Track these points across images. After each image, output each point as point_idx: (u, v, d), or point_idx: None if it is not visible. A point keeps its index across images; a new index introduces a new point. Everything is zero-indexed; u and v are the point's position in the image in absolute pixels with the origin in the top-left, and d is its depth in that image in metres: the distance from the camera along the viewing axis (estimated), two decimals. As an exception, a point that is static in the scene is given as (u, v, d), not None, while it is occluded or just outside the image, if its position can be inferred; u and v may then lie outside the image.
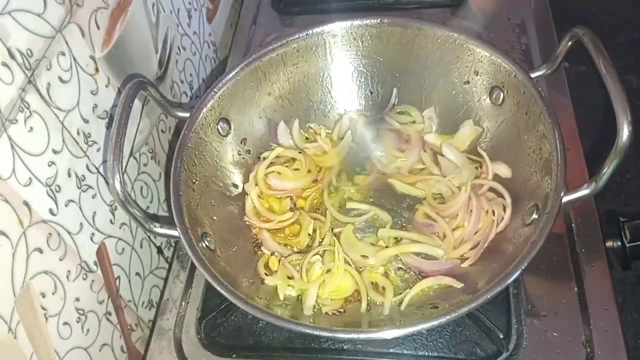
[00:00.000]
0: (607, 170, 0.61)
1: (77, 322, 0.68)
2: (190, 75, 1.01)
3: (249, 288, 0.73)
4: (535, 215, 0.68)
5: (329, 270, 0.75)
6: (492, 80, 0.80)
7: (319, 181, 0.85)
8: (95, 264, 0.72)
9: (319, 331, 0.64)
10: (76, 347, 0.67)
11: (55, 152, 0.64)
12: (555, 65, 0.75)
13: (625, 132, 0.59)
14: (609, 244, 0.78)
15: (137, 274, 0.82)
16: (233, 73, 0.82)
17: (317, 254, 0.77)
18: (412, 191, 0.83)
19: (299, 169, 0.86)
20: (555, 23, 1.04)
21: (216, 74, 1.11)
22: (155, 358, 0.77)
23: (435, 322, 0.61)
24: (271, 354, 0.75)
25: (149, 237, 0.85)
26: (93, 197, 0.71)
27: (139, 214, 0.66)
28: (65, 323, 0.65)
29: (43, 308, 0.62)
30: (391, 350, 0.73)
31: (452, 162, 0.83)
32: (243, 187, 0.85)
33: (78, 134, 0.68)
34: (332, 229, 0.80)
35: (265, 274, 0.77)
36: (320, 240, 0.80)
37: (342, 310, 0.73)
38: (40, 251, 0.61)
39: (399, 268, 0.77)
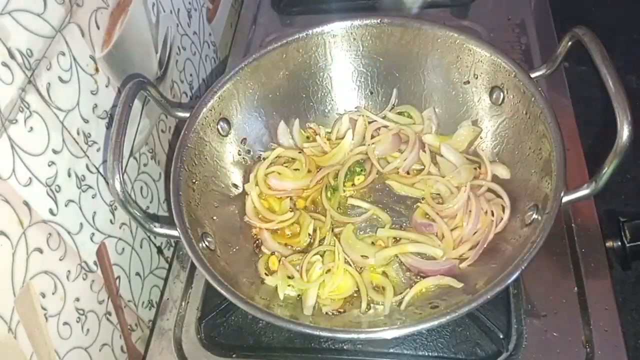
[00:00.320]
0: (607, 170, 0.61)
1: (77, 322, 0.68)
2: (190, 75, 1.01)
3: (249, 288, 0.73)
4: (535, 216, 0.68)
5: (329, 270, 0.75)
6: (492, 80, 0.80)
7: (319, 181, 0.85)
8: (95, 264, 0.72)
9: (319, 331, 0.64)
10: (76, 347, 0.67)
11: (55, 152, 0.64)
12: (555, 65, 0.75)
13: (625, 132, 0.59)
14: (609, 244, 0.78)
15: (137, 274, 0.82)
16: (233, 73, 0.82)
17: (317, 253, 0.77)
18: (411, 192, 0.83)
19: (299, 169, 0.86)
20: (555, 23, 1.04)
21: (216, 74, 1.11)
22: (155, 358, 0.77)
23: (435, 322, 0.61)
24: (271, 354, 0.75)
25: (149, 237, 0.85)
26: (93, 197, 0.71)
27: (139, 214, 0.66)
28: (65, 323, 0.65)
29: (43, 308, 0.62)
30: (391, 350, 0.73)
31: (450, 162, 0.83)
32: (243, 187, 0.85)
33: (78, 134, 0.68)
34: (332, 229, 0.81)
35: (265, 274, 0.77)
36: (321, 240, 0.80)
37: (342, 310, 0.73)
38: (40, 251, 0.61)
39: (399, 268, 0.77)
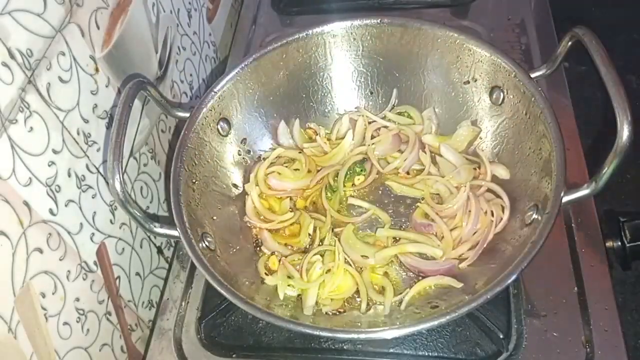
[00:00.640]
0: (607, 170, 0.61)
1: (77, 322, 0.68)
2: (190, 75, 1.01)
3: (249, 288, 0.73)
4: (535, 216, 0.68)
5: (329, 270, 0.75)
6: (492, 80, 0.80)
7: (319, 181, 0.85)
8: (95, 264, 0.72)
9: (319, 331, 0.64)
10: (76, 347, 0.67)
11: (55, 152, 0.64)
12: (555, 65, 0.75)
13: (625, 132, 0.59)
14: (609, 244, 0.78)
15: (137, 274, 0.82)
16: (233, 73, 0.82)
17: (317, 253, 0.77)
18: (410, 192, 0.83)
19: (299, 169, 0.86)
20: (555, 23, 1.04)
21: (216, 74, 1.11)
22: (155, 358, 0.77)
23: (435, 322, 0.61)
24: (271, 354, 0.75)
25: (149, 237, 0.85)
26: (93, 197, 0.71)
27: (139, 214, 0.66)
28: (65, 323, 0.65)
29: (43, 308, 0.62)
30: (391, 350, 0.73)
31: (450, 162, 0.83)
32: (243, 187, 0.85)
33: (78, 134, 0.68)
34: (332, 229, 0.81)
35: (265, 274, 0.77)
36: (321, 240, 0.80)
37: (342, 310, 0.73)
38: (40, 251, 0.61)
39: (399, 268, 0.77)
